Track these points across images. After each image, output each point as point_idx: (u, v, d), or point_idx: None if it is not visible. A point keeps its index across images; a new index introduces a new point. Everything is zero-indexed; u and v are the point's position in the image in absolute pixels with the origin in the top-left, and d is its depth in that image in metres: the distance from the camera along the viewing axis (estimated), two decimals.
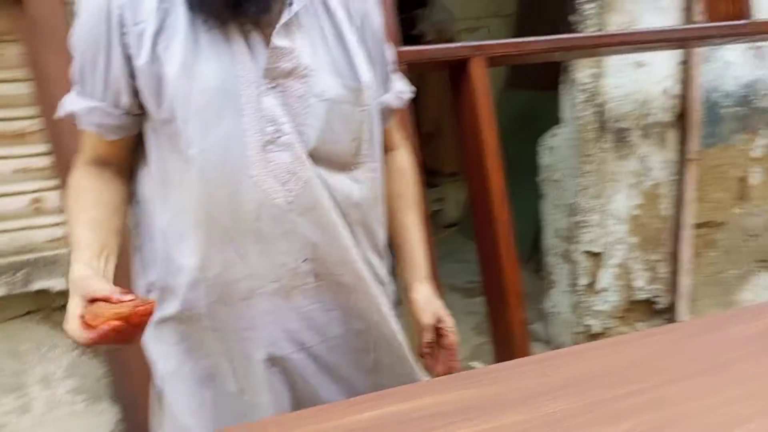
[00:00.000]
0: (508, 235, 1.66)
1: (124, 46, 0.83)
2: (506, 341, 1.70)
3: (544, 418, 0.72)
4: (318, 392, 0.95)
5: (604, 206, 2.41)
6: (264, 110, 0.85)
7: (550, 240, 2.69)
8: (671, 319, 2.53)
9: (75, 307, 0.76)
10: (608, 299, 2.49)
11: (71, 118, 0.90)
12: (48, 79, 1.61)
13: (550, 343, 2.73)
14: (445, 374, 0.97)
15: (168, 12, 0.83)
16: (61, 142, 1.63)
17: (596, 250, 2.44)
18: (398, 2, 1.68)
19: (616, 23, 2.25)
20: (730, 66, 2.42)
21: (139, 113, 0.88)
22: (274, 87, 0.85)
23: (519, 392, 0.79)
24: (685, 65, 2.33)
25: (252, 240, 0.88)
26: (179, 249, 0.90)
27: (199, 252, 0.88)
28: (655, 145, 2.40)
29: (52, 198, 1.85)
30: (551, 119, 2.62)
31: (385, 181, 1.03)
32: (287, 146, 0.86)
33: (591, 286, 2.48)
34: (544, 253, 2.75)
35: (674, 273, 2.49)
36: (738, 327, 0.93)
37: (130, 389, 1.69)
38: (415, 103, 1.37)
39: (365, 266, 0.96)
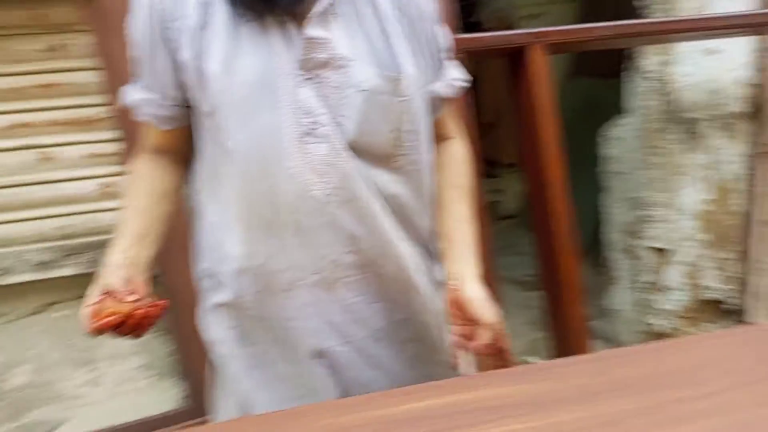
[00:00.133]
0: (568, 228, 1.61)
1: (167, 41, 0.85)
2: (564, 337, 1.66)
3: (602, 417, 0.69)
4: (364, 385, 0.95)
5: (670, 200, 2.31)
6: (300, 102, 0.84)
7: (612, 234, 2.60)
8: (742, 321, 2.41)
9: (91, 296, 0.83)
10: (674, 298, 2.40)
11: (130, 108, 0.93)
12: (116, 67, 1.67)
13: (611, 342, 2.65)
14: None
15: (208, 6, 0.84)
16: (129, 129, 1.69)
17: (662, 246, 2.34)
18: None
19: (687, 8, 2.15)
20: None
21: (188, 105, 0.90)
22: (310, 78, 0.85)
23: (576, 389, 0.76)
24: (761, 53, 2.20)
25: (292, 232, 0.88)
26: (226, 239, 0.92)
27: (243, 243, 0.90)
28: (727, 137, 2.28)
29: (118, 183, 1.93)
30: (615, 108, 2.53)
31: (437, 171, 1.01)
32: (324, 138, 0.85)
33: (655, 283, 2.39)
34: (604, 247, 2.67)
35: (745, 272, 2.37)
36: None
37: (196, 367, 1.75)
38: (475, 92, 1.34)
39: (407, 258, 0.94)
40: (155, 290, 0.89)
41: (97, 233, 1.99)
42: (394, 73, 0.87)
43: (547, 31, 1.63)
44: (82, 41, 1.91)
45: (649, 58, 2.20)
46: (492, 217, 4.04)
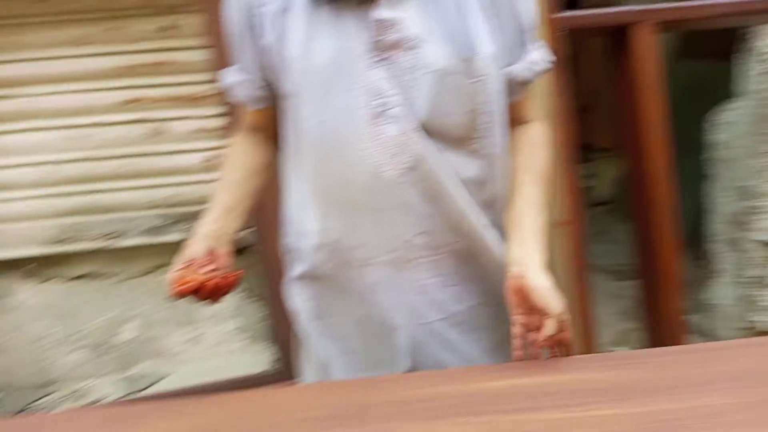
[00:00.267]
0: (669, 217, 1.54)
1: (254, 27, 0.90)
2: (659, 330, 1.60)
3: (697, 410, 0.67)
4: (438, 364, 0.94)
5: None
6: (371, 84, 0.85)
7: (716, 225, 2.46)
8: None
9: (175, 263, 0.90)
10: None
11: (226, 88, 0.99)
12: (223, 46, 1.75)
13: (708, 338, 2.52)
14: None
15: None
16: (232, 106, 1.77)
17: None
18: None
19: None
20: None
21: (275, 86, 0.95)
22: (381, 60, 0.85)
23: (671, 380, 0.74)
24: None
25: (365, 211, 0.90)
26: (304, 215, 0.96)
27: (319, 219, 0.93)
28: None
29: (221, 156, 2.04)
30: (722, 93, 2.37)
31: (512, 154, 0.97)
32: (395, 119, 0.86)
33: (762, 278, 2.24)
34: (706, 238, 2.53)
35: None
36: None
37: (286, 333, 1.83)
38: (573, 72, 1.30)
39: (483, 241, 0.93)
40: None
41: (202, 203, 2.11)
42: (468, 52, 0.86)
43: (656, 9, 1.55)
44: (192, 21, 2.01)
45: (765, 39, 2.03)
46: (584, 203, 3.92)
